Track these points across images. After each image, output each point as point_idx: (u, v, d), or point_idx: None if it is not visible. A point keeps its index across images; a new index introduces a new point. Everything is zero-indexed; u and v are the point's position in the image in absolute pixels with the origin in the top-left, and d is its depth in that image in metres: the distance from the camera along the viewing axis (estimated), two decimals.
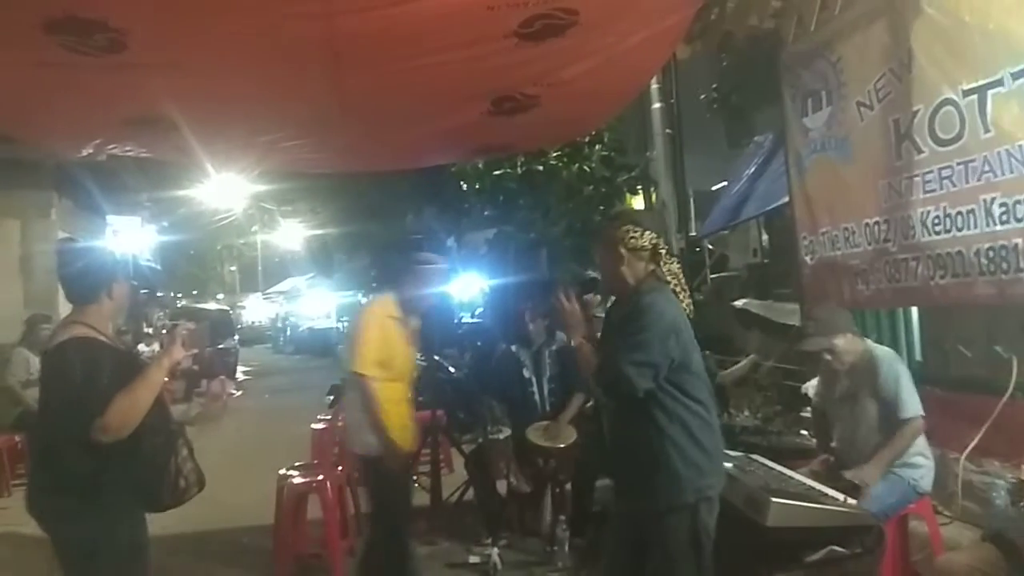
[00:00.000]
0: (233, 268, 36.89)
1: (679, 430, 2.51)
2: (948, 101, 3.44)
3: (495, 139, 5.14)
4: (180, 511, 2.71)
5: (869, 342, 3.47)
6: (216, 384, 13.35)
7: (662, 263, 2.65)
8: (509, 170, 9.12)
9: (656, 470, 2.50)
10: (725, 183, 10.18)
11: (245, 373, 19.30)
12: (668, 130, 8.30)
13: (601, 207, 9.15)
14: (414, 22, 3.20)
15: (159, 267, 15.84)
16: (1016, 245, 3.18)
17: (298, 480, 4.61)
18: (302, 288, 32.84)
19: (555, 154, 8.99)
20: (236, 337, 20.51)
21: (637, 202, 9.99)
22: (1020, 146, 3.11)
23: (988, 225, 3.29)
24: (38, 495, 2.48)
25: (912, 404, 3.20)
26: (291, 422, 9.06)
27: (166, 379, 2.59)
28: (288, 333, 31.83)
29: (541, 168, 9.05)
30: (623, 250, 2.63)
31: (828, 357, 3.39)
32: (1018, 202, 3.15)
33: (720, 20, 4.65)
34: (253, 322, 37.16)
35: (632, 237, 2.64)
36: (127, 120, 4.18)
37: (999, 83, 3.18)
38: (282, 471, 4.74)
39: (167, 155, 5.51)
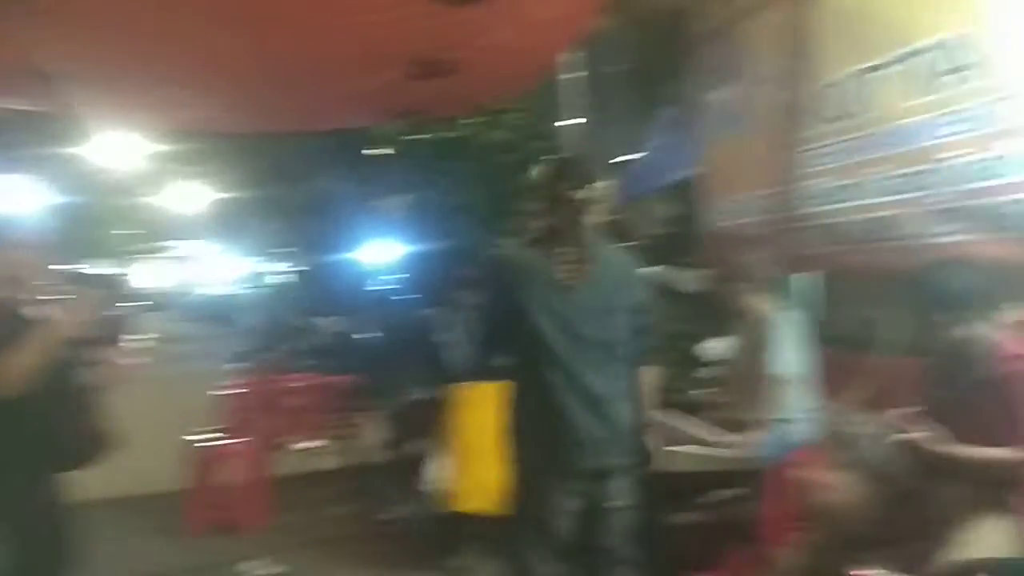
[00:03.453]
0: (130, 231, 35.12)
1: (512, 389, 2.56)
2: (840, 80, 3.71)
3: (413, 102, 5.15)
4: (85, 476, 2.69)
5: (775, 305, 3.63)
6: (114, 351, 12.78)
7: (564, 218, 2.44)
8: (424, 135, 9.10)
9: None
10: (632, 155, 10.43)
11: (143, 340, 18.52)
12: (580, 99, 8.47)
13: (515, 174, 9.25)
14: None
15: (48, 229, 14.96)
16: (894, 216, 3.49)
17: (209, 444, 4.59)
18: (204, 253, 31.72)
19: (470, 121, 9.02)
20: (133, 303, 19.64)
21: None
22: (899, 124, 3.40)
23: (869, 197, 3.59)
24: None
25: (777, 362, 3.35)
26: (196, 389, 8.81)
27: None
28: (190, 299, 30.73)
29: (456, 134, 9.07)
30: (537, 198, 2.56)
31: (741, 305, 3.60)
32: (897, 176, 3.45)
33: None
34: (152, 287, 35.61)
35: (542, 185, 2.54)
36: (18, 70, 3.98)
37: (884, 65, 3.45)
38: (191, 436, 4.70)
39: (61, 109, 5.26)
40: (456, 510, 3.50)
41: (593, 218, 2.45)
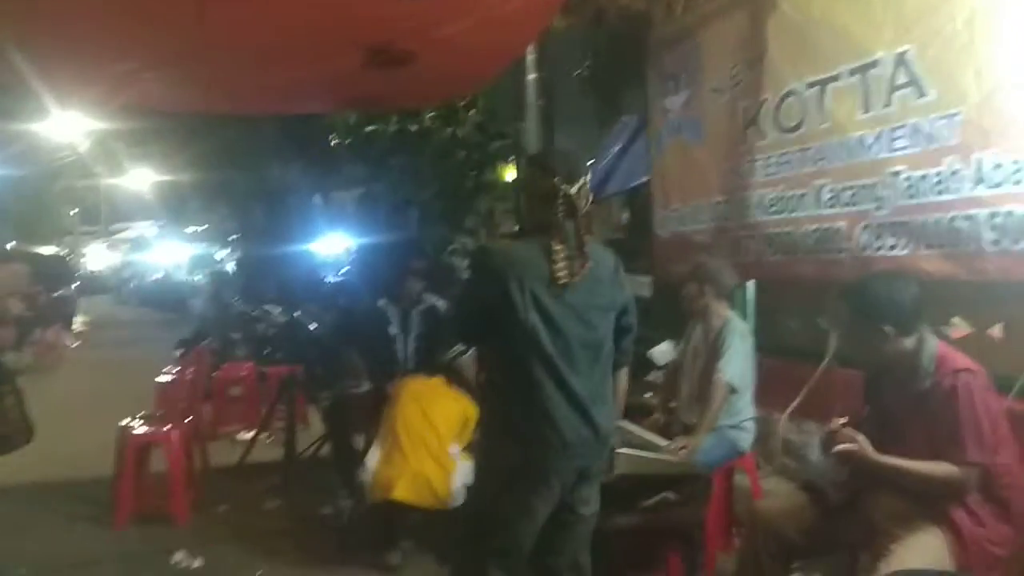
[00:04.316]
0: (73, 212, 34.07)
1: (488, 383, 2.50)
2: (793, 92, 3.75)
3: (368, 91, 5.06)
4: (11, 461, 2.54)
5: (731, 313, 3.65)
6: (51, 333, 12.34)
7: (554, 213, 2.31)
8: (382, 126, 8.99)
9: None
10: (591, 159, 10.49)
11: (85, 324, 18.01)
12: (541, 102, 8.46)
13: (473, 172, 9.21)
14: None
15: None
16: (840, 228, 3.53)
17: (140, 430, 4.43)
18: (150, 236, 30.93)
19: (429, 116, 8.95)
20: (74, 285, 19.08)
21: (509, 172, 10.14)
22: (851, 137, 3.44)
23: (817, 208, 3.63)
24: None
25: (725, 368, 3.38)
26: (133, 375, 8.61)
27: None
28: (133, 284, 29.90)
29: (414, 128, 8.99)
30: (524, 194, 2.47)
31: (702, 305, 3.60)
32: (845, 188, 3.49)
33: None
34: (94, 270, 34.58)
35: (532, 179, 2.43)
36: None
37: (837, 77, 3.49)
38: (123, 422, 4.54)
39: (13, 83, 5.03)
40: (390, 499, 3.42)
41: (583, 214, 2.36)
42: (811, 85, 3.63)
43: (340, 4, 3.49)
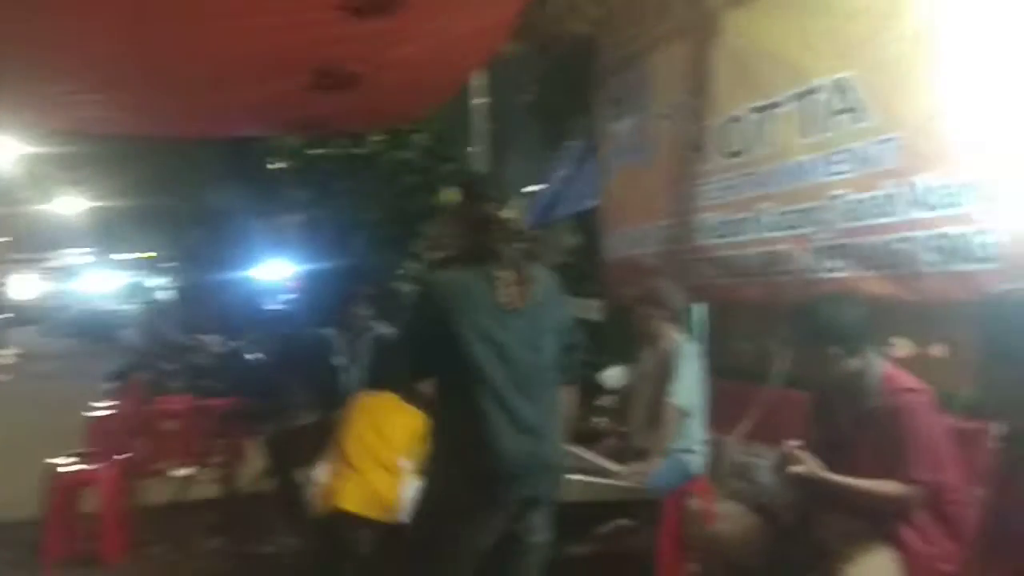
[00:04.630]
0: (1, 239, 32.74)
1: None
2: (736, 118, 3.81)
3: (312, 114, 4.98)
4: None
5: (682, 337, 3.66)
6: None
7: (494, 239, 2.33)
8: (328, 151, 8.87)
9: None
10: (539, 184, 10.54)
11: (13, 356, 17.27)
12: (489, 126, 8.50)
13: (420, 196, 9.15)
14: None
15: None
16: (785, 251, 3.58)
17: (70, 469, 4.20)
18: (82, 264, 29.92)
19: (377, 139, 8.87)
20: None
21: (456, 196, 10.07)
22: (793, 161, 3.51)
23: (762, 231, 3.68)
24: None
25: (676, 392, 3.38)
26: (65, 410, 8.22)
27: None
28: (62, 313, 28.81)
29: (361, 151, 8.89)
30: (460, 221, 2.46)
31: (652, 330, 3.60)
32: (787, 211, 3.55)
33: (543, 21, 4.84)
34: (21, 300, 33.21)
35: (464, 207, 2.44)
36: None
37: (779, 104, 3.56)
38: (51, 460, 4.30)
39: None
40: (337, 510, 3.29)
41: (520, 238, 2.39)
42: (754, 110, 3.70)
43: (287, 26, 3.43)
